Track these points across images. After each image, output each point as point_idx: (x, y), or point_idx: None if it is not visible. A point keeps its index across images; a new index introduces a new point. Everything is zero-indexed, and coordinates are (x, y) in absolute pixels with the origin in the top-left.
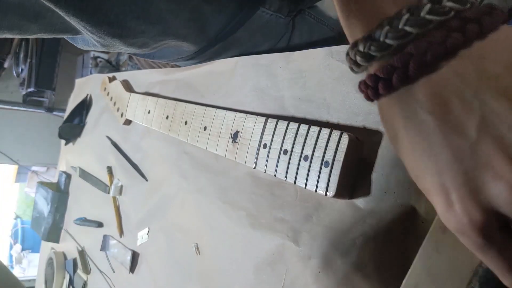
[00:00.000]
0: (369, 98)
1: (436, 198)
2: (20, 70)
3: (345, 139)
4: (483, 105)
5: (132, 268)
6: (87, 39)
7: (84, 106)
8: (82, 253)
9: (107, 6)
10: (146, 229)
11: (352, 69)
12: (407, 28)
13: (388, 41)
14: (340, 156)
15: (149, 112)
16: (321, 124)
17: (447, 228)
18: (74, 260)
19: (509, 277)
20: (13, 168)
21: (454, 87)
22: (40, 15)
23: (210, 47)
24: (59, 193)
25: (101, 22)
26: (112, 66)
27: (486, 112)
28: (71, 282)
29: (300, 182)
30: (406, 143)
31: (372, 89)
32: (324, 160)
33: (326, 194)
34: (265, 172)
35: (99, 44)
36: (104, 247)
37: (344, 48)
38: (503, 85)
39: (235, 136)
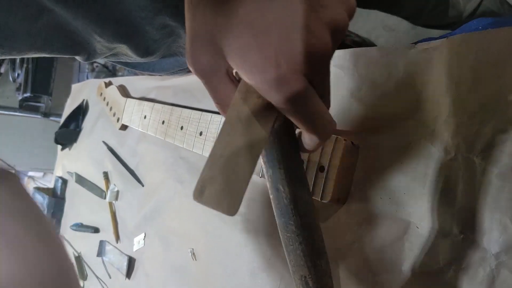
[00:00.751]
0: None
1: (266, 71)
2: (16, 75)
3: (340, 144)
4: None
5: (129, 274)
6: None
7: (81, 111)
8: (78, 258)
9: (113, 4)
10: (143, 235)
11: None
12: None
13: None
14: (336, 161)
15: (145, 117)
16: None
17: (248, 99)
18: None
19: (314, 131)
20: None
21: None
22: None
23: None
24: (56, 199)
25: (108, 20)
26: (109, 71)
27: None
28: None
29: None
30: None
31: None
32: (320, 164)
33: (321, 199)
34: (260, 177)
35: (106, 48)
36: (100, 252)
37: (339, 53)
38: None
39: None
